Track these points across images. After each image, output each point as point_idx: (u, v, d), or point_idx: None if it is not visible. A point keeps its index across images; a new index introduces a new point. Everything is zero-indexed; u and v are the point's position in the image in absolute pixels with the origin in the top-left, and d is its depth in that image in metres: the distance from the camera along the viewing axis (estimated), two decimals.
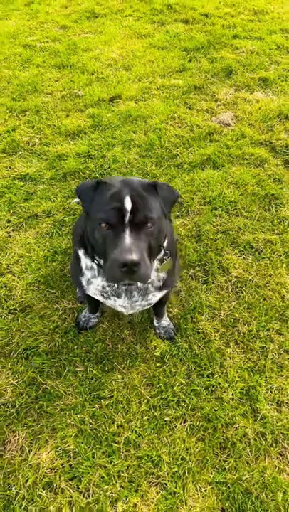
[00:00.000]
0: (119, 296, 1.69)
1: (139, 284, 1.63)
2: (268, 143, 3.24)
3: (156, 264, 1.59)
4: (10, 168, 3.06)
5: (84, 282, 1.72)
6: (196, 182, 2.88)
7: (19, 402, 1.86)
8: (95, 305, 2.07)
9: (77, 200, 2.66)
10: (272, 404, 1.86)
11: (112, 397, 1.88)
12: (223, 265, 2.40)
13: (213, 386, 1.91)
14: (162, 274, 1.65)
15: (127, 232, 1.28)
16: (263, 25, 4.81)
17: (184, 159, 3.09)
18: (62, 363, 2.00)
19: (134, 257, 1.22)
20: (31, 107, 3.62)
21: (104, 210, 1.31)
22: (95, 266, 1.62)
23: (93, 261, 1.59)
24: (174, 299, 2.25)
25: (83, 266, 1.67)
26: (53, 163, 3.08)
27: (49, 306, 2.23)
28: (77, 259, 1.69)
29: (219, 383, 1.92)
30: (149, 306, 1.84)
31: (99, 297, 1.74)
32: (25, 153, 3.19)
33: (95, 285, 1.68)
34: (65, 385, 1.93)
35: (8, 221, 2.67)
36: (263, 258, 2.44)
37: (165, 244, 1.59)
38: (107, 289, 1.67)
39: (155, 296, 1.73)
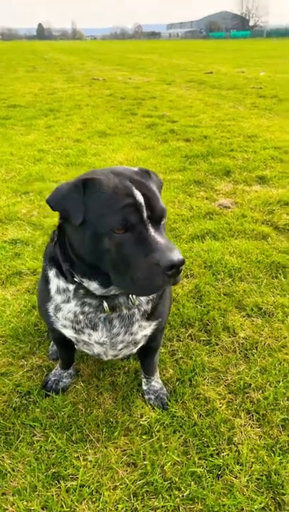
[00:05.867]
0: (94, 327, 1.33)
1: (124, 310, 1.30)
2: (269, 223, 3.16)
3: None
4: (2, 234, 2.95)
5: (51, 310, 1.38)
6: (195, 249, 2.70)
7: None
8: (67, 355, 1.66)
9: None
10: None
11: (77, 478, 1.33)
12: (228, 326, 2.03)
13: (219, 468, 1.37)
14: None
15: (151, 230, 1.05)
16: (256, 144, 5.31)
17: (182, 232, 2.98)
18: (16, 429, 1.49)
19: (180, 255, 1.00)
20: (35, 190, 3.72)
21: (115, 210, 1.03)
22: (71, 287, 1.30)
23: (72, 281, 1.26)
24: (168, 359, 1.83)
25: (52, 289, 1.35)
26: (48, 231, 2.97)
27: (14, 363, 1.81)
28: (46, 281, 1.38)
29: (228, 465, 1.37)
30: (134, 349, 1.45)
31: (69, 331, 1.38)
32: (21, 222, 3.11)
33: (65, 312, 1.34)
34: (14, 459, 1.39)
35: None
36: (275, 321, 2.07)
37: None
38: (80, 317, 1.32)
39: (142, 330, 1.37)
